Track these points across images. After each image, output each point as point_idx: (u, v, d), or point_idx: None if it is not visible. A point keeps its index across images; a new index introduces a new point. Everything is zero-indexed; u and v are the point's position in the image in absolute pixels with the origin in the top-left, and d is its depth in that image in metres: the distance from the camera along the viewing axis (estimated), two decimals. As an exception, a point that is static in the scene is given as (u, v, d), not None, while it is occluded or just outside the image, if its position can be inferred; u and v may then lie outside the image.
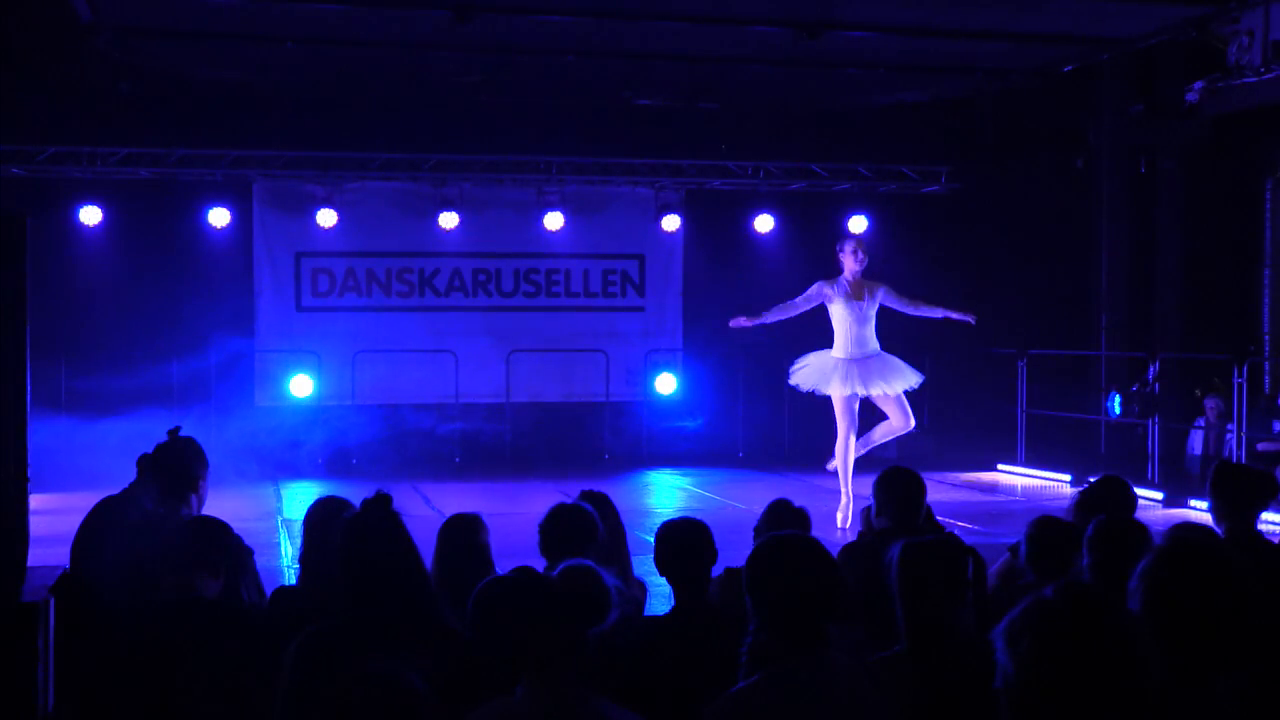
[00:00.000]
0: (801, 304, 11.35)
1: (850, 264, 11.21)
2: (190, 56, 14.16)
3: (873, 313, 11.20)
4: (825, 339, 11.44)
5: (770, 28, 12.74)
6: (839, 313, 11.20)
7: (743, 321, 11.59)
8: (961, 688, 3.50)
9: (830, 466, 11.24)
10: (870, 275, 11.37)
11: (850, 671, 3.34)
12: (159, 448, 5.70)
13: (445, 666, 3.49)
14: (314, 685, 2.75)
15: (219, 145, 15.52)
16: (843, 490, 11.10)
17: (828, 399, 11.31)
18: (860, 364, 11.10)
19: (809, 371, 11.31)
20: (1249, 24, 11.77)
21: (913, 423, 11.37)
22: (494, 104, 15.76)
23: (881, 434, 11.45)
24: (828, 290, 11.21)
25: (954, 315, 11.46)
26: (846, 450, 11.10)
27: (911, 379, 11.19)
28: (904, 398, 11.18)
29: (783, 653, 3.24)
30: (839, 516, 10.90)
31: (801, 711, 3.18)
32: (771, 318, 11.53)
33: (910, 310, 11.41)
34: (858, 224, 17.15)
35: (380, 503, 3.81)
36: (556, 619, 3.12)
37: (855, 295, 11.15)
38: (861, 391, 11.07)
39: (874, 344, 11.22)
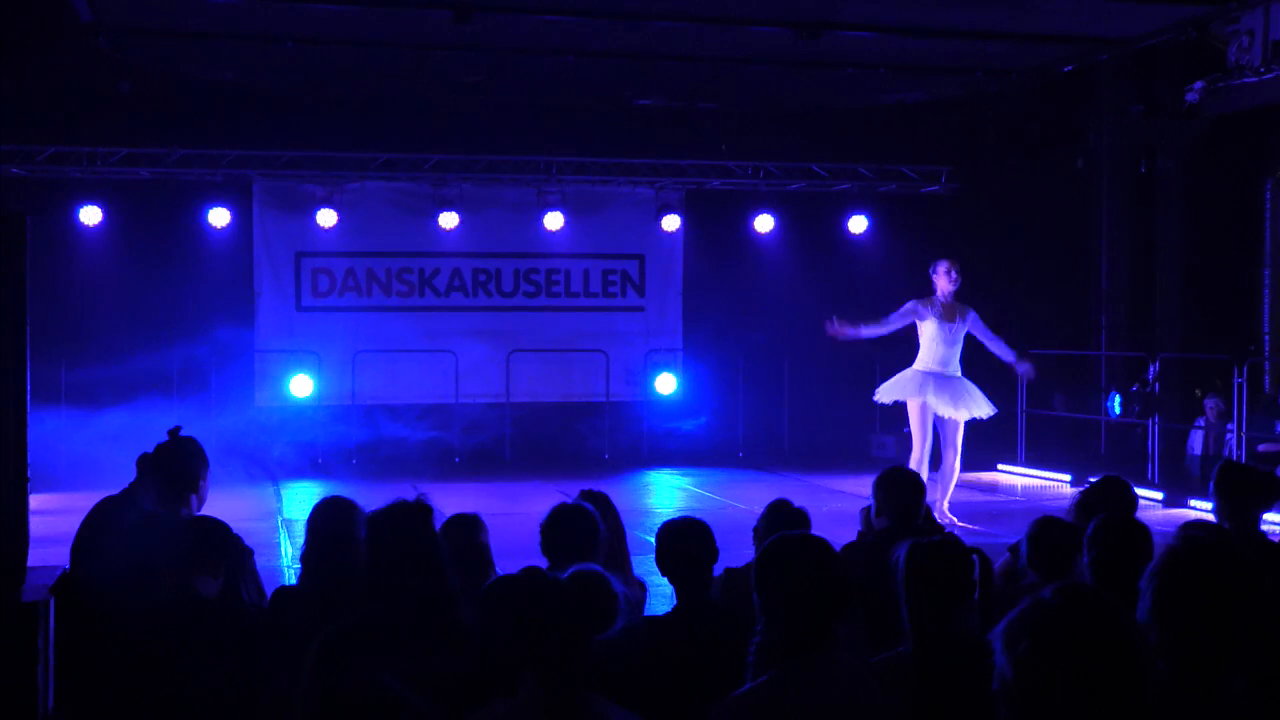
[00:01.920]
0: (896, 321, 11.37)
1: (944, 284, 11.25)
2: (190, 56, 14.15)
3: (961, 335, 11.28)
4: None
5: (770, 28, 12.73)
6: (930, 330, 11.26)
7: (843, 329, 11.39)
8: (965, 689, 3.49)
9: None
10: (959, 297, 11.37)
11: (857, 672, 3.34)
12: (159, 448, 5.70)
13: (465, 665, 3.50)
14: (335, 685, 2.76)
15: (219, 145, 15.51)
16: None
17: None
18: (939, 380, 11.18)
19: (890, 385, 11.42)
20: (1249, 24, 11.77)
21: (958, 470, 11.34)
22: (494, 104, 15.76)
23: (943, 490, 11.33)
24: (921, 308, 11.28)
25: (1017, 364, 11.51)
26: (921, 460, 11.10)
27: (984, 409, 11.28)
28: (960, 439, 11.22)
29: (791, 653, 3.24)
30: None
31: (809, 712, 3.18)
32: (867, 332, 11.49)
33: (989, 343, 11.42)
34: (858, 224, 17.16)
35: (418, 502, 3.88)
36: (564, 622, 3.11)
37: (947, 316, 11.21)
38: (932, 403, 11.11)
39: (956, 367, 11.30)
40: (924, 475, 10.96)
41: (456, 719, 3.16)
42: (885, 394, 11.45)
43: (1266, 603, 2.86)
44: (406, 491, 4.12)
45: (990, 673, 2.29)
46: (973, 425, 12.44)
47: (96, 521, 5.60)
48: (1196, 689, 2.71)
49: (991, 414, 11.38)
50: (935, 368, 11.23)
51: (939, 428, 11.30)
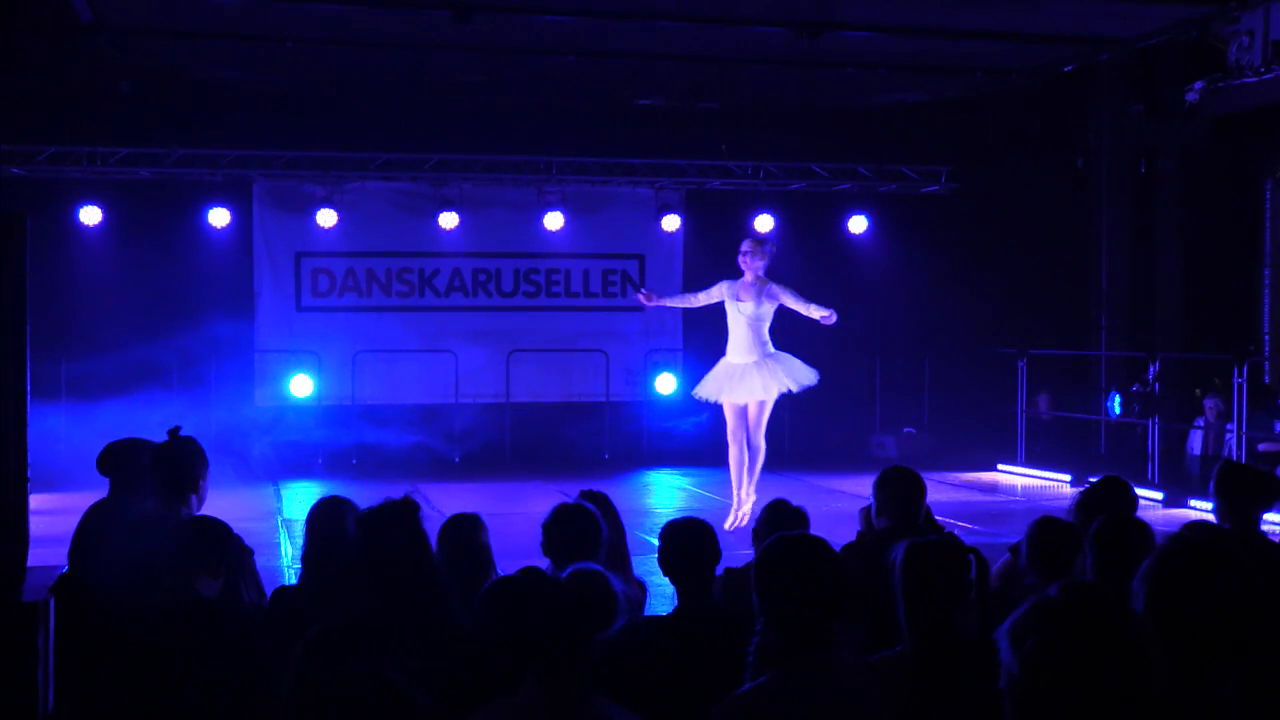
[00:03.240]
0: (700, 298, 11.18)
1: (744, 265, 10.94)
2: (190, 56, 14.15)
3: (766, 316, 10.84)
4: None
5: (770, 28, 12.73)
6: (731, 315, 10.94)
7: (651, 298, 11.37)
8: (964, 688, 3.49)
9: (727, 525, 10.56)
10: (774, 276, 11.03)
11: (857, 672, 3.34)
12: (159, 448, 5.69)
13: (455, 665, 3.50)
14: (318, 686, 2.76)
15: (219, 145, 15.51)
16: (735, 494, 10.87)
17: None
18: (744, 370, 10.82)
19: (707, 382, 11.12)
20: (1249, 24, 11.77)
21: (763, 449, 10.89)
22: (494, 104, 15.76)
23: (750, 470, 10.93)
24: (727, 291, 10.96)
25: (826, 314, 10.77)
26: (739, 458, 10.85)
27: (795, 381, 10.83)
28: (763, 417, 10.82)
29: (790, 653, 3.24)
30: (728, 520, 10.60)
31: (809, 712, 3.18)
32: (671, 303, 11.87)
33: (803, 309, 10.79)
34: (858, 224, 17.16)
35: (405, 501, 3.90)
36: (564, 621, 3.11)
37: (749, 298, 10.83)
38: (738, 399, 10.82)
39: (763, 349, 10.85)
40: (741, 468, 10.79)
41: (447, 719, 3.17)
42: (699, 391, 11.16)
43: (1261, 603, 2.86)
44: (406, 491, 4.12)
45: (988, 672, 2.29)
46: (972, 425, 12.44)
47: (95, 522, 5.59)
48: (1189, 690, 2.71)
49: (810, 383, 10.89)
50: (742, 356, 10.82)
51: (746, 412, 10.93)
